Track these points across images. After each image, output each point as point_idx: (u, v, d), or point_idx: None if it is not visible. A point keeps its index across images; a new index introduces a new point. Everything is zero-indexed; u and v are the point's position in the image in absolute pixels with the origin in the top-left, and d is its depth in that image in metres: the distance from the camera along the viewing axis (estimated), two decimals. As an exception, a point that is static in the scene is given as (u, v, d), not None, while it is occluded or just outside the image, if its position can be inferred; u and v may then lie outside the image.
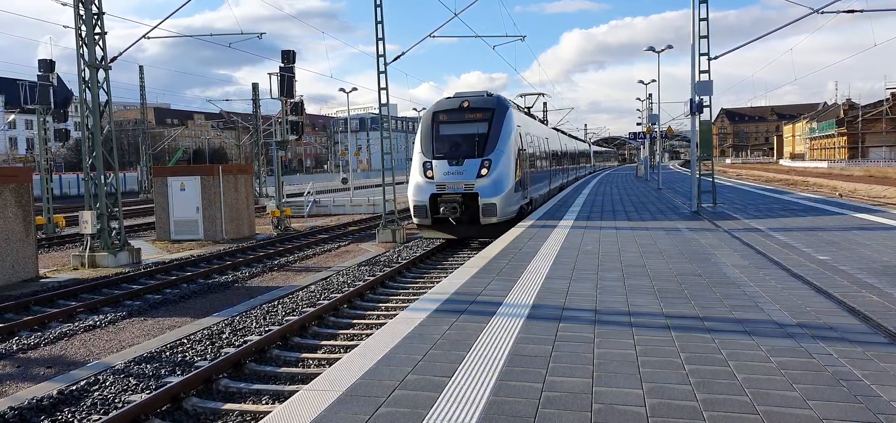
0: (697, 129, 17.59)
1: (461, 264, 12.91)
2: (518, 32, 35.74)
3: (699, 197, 17.50)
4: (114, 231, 18.12)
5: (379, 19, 20.73)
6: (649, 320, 5.81)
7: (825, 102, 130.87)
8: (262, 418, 5.85)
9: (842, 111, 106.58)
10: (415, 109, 66.76)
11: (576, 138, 55.89)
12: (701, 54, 17.16)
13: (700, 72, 17.15)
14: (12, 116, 67.83)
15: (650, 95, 50.21)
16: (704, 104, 17.10)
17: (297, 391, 5.08)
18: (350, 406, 3.86)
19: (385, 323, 7.34)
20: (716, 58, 17.80)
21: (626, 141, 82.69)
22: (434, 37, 23.93)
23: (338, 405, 3.87)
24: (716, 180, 19.90)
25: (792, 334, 5.26)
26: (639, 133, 48.61)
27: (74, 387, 7.49)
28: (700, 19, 17.03)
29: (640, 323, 5.72)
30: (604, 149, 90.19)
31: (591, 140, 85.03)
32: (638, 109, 56.75)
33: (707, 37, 17.30)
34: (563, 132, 42.76)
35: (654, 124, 39.56)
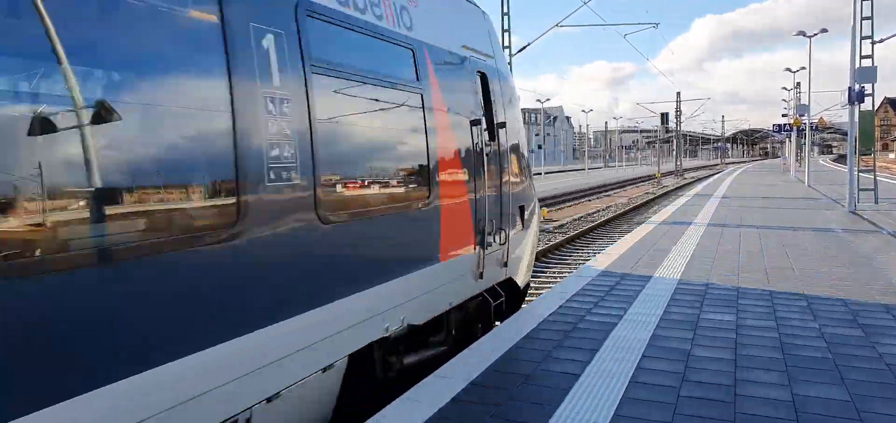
0: (856, 120, 15.89)
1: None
2: (650, 20, 33.68)
3: (857, 195, 15.79)
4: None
5: (505, 11, 20.68)
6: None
7: None
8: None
9: None
10: (538, 100, 65.64)
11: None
12: (863, 37, 15.49)
13: (861, 57, 15.49)
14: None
15: (798, 84, 46.04)
16: (866, 93, 15.41)
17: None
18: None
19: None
20: (881, 41, 15.97)
21: (769, 133, 76.43)
22: (561, 26, 23.33)
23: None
24: (878, 177, 17.89)
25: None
26: (784, 125, 44.80)
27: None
28: (863, -2, 15.37)
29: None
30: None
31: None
32: (783, 100, 52.34)
33: (870, 18, 15.56)
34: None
35: (803, 115, 36.21)
